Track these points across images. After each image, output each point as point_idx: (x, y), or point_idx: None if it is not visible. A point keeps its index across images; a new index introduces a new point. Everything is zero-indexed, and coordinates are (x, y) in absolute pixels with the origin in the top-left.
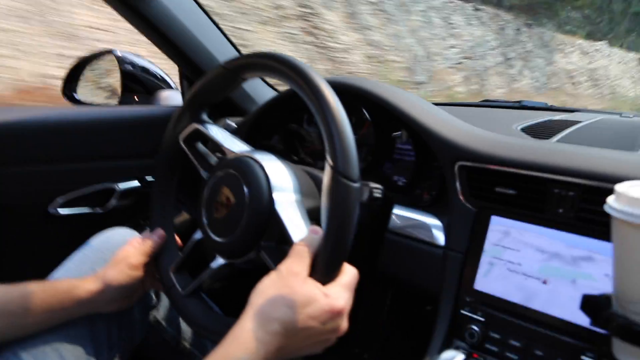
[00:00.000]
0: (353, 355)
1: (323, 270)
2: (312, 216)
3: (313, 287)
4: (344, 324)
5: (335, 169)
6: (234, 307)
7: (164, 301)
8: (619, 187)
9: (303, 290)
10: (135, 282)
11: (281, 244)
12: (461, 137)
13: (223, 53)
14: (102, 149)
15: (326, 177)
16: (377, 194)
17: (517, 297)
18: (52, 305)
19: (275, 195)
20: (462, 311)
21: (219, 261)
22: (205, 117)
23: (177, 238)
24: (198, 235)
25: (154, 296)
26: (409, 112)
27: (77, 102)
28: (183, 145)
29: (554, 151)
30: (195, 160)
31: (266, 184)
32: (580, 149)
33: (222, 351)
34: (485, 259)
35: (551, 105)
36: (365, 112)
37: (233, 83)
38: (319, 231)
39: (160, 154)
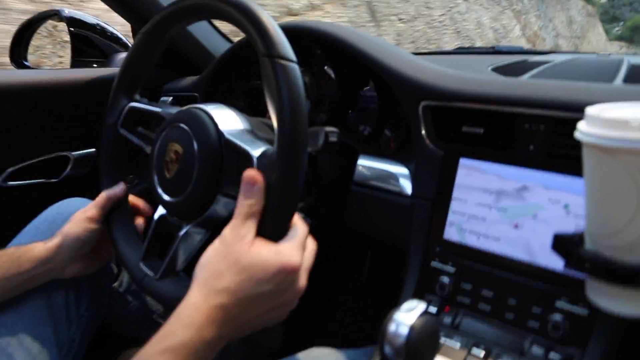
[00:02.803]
0: (334, 319)
1: (272, 221)
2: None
3: (261, 248)
4: (301, 281)
5: (268, 55)
6: None
7: (126, 273)
8: (589, 110)
9: (250, 254)
10: (92, 237)
11: (241, 173)
12: (424, 75)
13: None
14: (53, 115)
15: (263, 69)
16: (333, 137)
17: (487, 243)
18: (8, 270)
19: (223, 129)
20: (432, 263)
21: (185, 228)
22: (138, 96)
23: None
24: (156, 215)
25: (114, 267)
26: (369, 52)
27: (27, 68)
28: (123, 132)
29: (523, 85)
30: (139, 140)
31: (212, 124)
32: (551, 82)
33: (164, 331)
34: (454, 206)
35: (527, 49)
36: (323, 56)
37: (157, 46)
38: (258, 179)
39: (102, 149)
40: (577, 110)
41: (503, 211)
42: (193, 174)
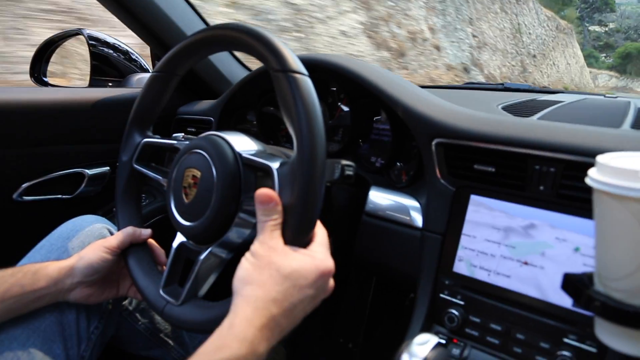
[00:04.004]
0: (338, 344)
1: (299, 228)
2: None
3: (296, 255)
4: (332, 282)
5: (282, 70)
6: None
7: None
8: (600, 158)
9: (288, 262)
10: (104, 267)
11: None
12: (438, 114)
13: (193, 29)
14: (70, 133)
15: (277, 84)
16: (349, 171)
17: (497, 279)
18: (22, 287)
19: (240, 150)
20: (441, 295)
21: (205, 252)
22: (150, 132)
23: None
24: (174, 243)
25: None
26: (385, 89)
27: (46, 84)
28: (138, 167)
29: (534, 127)
30: (154, 173)
31: (229, 147)
32: (562, 125)
33: (217, 343)
34: (464, 241)
35: (534, 87)
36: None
37: (170, 84)
38: (273, 196)
39: (118, 185)
40: (587, 154)
41: (512, 248)
42: (212, 196)
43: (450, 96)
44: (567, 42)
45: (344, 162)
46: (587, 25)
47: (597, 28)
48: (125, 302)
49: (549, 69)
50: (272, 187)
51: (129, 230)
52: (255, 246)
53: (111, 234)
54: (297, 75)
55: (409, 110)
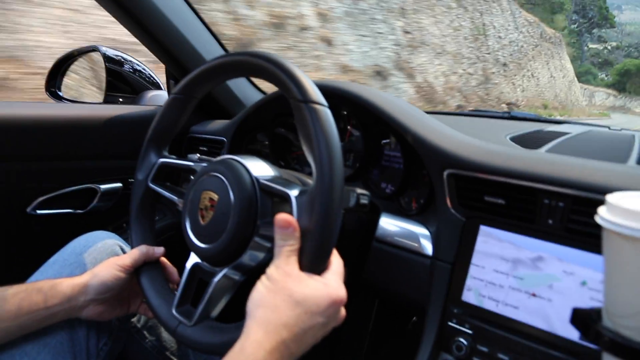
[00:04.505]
0: None
1: (315, 257)
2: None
3: (311, 282)
4: (343, 311)
5: (303, 100)
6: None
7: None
8: (610, 198)
9: (301, 289)
10: (118, 285)
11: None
12: (450, 145)
13: (210, 51)
14: (84, 148)
15: (297, 114)
16: (364, 200)
17: (505, 309)
18: (35, 304)
19: (257, 176)
20: (450, 323)
21: (219, 274)
22: (166, 152)
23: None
24: (188, 264)
25: None
26: (398, 119)
27: (60, 99)
28: (153, 186)
29: (544, 161)
30: (169, 193)
31: (246, 172)
32: (570, 160)
33: None
34: (472, 271)
35: (540, 117)
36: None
37: (188, 106)
38: (291, 221)
39: (132, 203)
40: (595, 191)
41: (520, 279)
42: (229, 219)
43: (458, 124)
44: (553, 53)
45: (359, 190)
46: (587, 40)
47: (597, 45)
48: (134, 320)
49: (525, 82)
50: (289, 213)
51: (143, 248)
52: (271, 270)
53: (123, 250)
54: (318, 107)
55: (420, 139)
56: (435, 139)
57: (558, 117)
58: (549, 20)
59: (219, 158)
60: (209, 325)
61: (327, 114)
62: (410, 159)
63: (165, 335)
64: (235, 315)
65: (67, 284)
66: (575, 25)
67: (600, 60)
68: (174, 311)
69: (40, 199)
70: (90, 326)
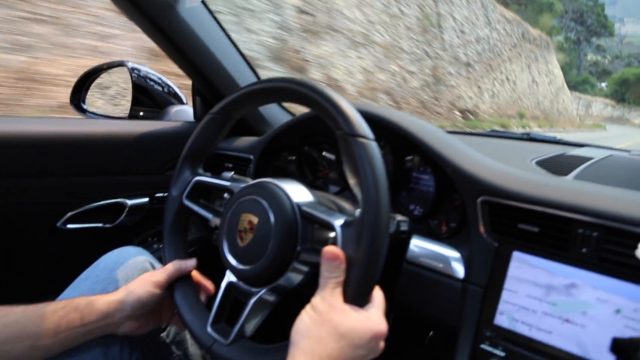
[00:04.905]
0: None
1: (359, 290)
2: None
3: (355, 315)
4: (382, 344)
5: (350, 134)
6: (275, 334)
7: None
8: None
9: (346, 321)
10: (153, 301)
11: (318, 243)
12: (484, 173)
13: (242, 76)
14: (111, 164)
15: (344, 146)
16: (404, 227)
17: (538, 334)
18: (73, 321)
19: (297, 201)
20: (482, 346)
21: (256, 295)
22: (202, 169)
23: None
24: (224, 282)
25: None
26: (431, 145)
27: (84, 111)
28: (187, 203)
29: (577, 191)
30: (204, 211)
31: (286, 197)
32: (603, 189)
33: None
34: (505, 296)
35: (559, 139)
36: (382, 140)
37: (225, 126)
38: (339, 255)
39: (166, 219)
40: (629, 223)
41: (553, 305)
42: (269, 243)
43: (481, 147)
44: (538, 56)
45: (399, 217)
46: (586, 48)
47: (597, 56)
48: (163, 334)
49: (497, 86)
50: (330, 240)
51: (176, 264)
52: (316, 300)
53: (152, 266)
54: (365, 141)
55: (458, 169)
56: (471, 168)
57: (576, 141)
58: (535, 20)
59: (257, 181)
60: (245, 345)
61: (374, 148)
62: (442, 184)
63: (192, 349)
64: (267, 335)
65: (103, 301)
66: (573, 33)
67: (599, 69)
68: (209, 329)
69: (70, 213)
70: (123, 341)
